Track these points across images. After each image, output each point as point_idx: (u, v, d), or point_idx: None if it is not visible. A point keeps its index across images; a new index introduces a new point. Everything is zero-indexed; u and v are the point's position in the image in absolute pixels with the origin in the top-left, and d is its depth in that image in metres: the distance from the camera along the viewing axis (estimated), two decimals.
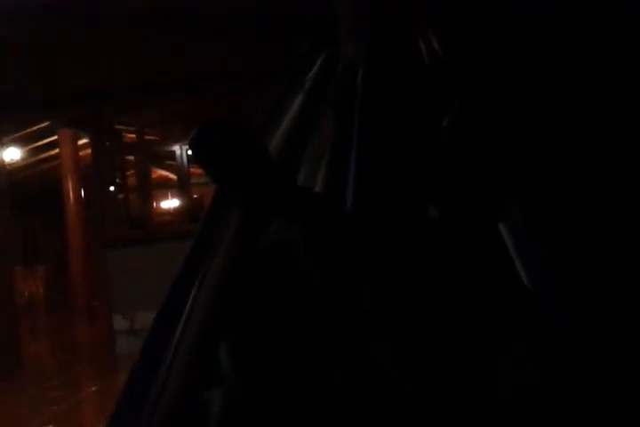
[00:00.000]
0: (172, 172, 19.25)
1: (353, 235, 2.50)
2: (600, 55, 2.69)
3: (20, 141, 13.95)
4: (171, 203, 21.09)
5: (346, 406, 2.31)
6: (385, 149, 2.69)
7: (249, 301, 2.54)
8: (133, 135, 14.75)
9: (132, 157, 15.42)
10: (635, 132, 2.60)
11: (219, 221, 2.86)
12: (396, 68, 2.83)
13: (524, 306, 2.36)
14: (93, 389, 7.76)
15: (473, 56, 2.74)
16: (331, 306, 2.38)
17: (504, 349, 2.24)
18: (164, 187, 20.67)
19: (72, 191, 14.08)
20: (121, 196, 15.06)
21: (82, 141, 13.94)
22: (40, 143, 15.04)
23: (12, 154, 13.89)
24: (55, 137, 14.17)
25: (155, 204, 18.80)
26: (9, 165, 12.87)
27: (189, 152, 14.48)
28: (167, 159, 18.38)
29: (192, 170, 17.17)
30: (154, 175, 18.22)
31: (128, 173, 16.10)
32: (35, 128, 13.26)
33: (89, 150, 13.11)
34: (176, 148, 17.12)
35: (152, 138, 15.80)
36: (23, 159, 15.32)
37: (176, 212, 19.16)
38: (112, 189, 13.66)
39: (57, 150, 14.55)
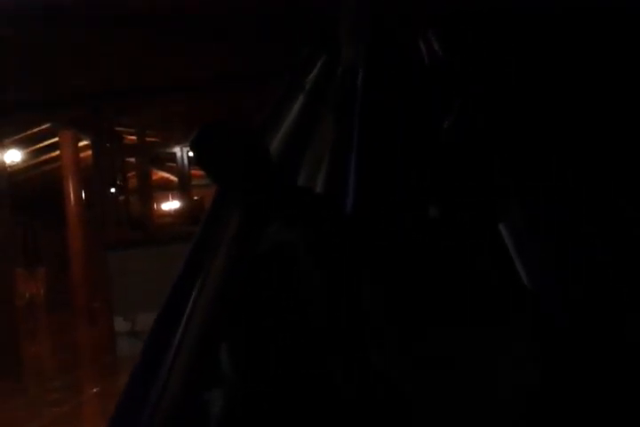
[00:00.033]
0: (172, 173, 19.25)
1: (353, 235, 2.49)
2: (600, 55, 2.69)
3: (20, 143, 13.95)
4: (171, 205, 21.10)
5: (346, 406, 2.31)
6: (385, 150, 2.69)
7: (249, 301, 2.53)
8: (134, 137, 14.75)
9: (132, 159, 15.41)
10: (635, 133, 2.60)
11: (219, 223, 2.86)
12: (396, 68, 2.83)
13: (524, 306, 2.36)
14: (94, 391, 7.75)
15: (473, 56, 2.74)
16: (331, 306, 2.38)
17: (504, 349, 2.24)
18: (165, 189, 20.68)
19: (73, 193, 14.08)
20: (122, 197, 15.07)
21: (82, 143, 13.95)
22: (41, 145, 15.06)
23: (13, 156, 13.90)
24: (56, 139, 14.18)
25: (155, 205, 18.80)
26: (10, 166, 12.88)
27: (190, 154, 14.50)
28: (168, 161, 18.38)
29: (193, 172, 17.17)
30: (154, 177, 18.22)
31: (129, 174, 16.10)
32: (35, 130, 13.26)
33: (90, 152, 13.13)
34: (177, 149, 17.12)
35: (153, 140, 15.80)
36: (24, 161, 15.34)
37: (177, 213, 19.17)
38: (113, 190, 13.66)
39: (58, 152, 14.55)
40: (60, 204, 14.43)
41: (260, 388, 2.44)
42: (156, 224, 16.25)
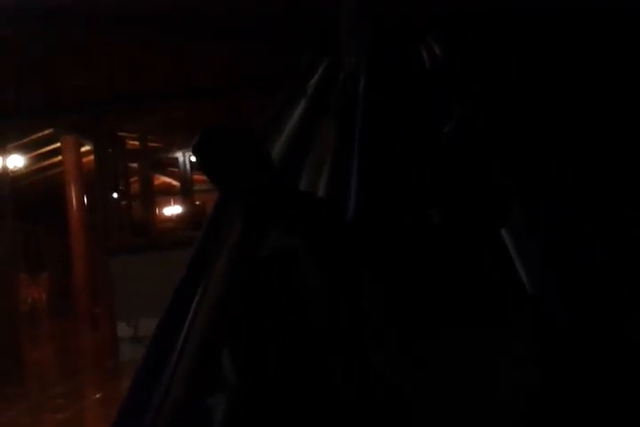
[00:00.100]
0: (174, 178, 19.23)
1: (353, 236, 2.49)
2: (600, 56, 2.70)
3: (23, 149, 13.96)
4: (173, 210, 21.09)
5: (346, 406, 2.30)
6: (386, 151, 2.69)
7: (250, 305, 2.54)
8: (136, 142, 14.75)
9: (134, 164, 15.41)
10: (635, 133, 2.60)
11: (221, 228, 2.86)
12: (396, 70, 2.83)
13: (524, 306, 2.36)
14: (97, 396, 7.73)
15: (473, 57, 2.74)
16: (331, 306, 2.38)
17: (504, 349, 2.24)
18: (167, 193, 20.66)
19: (75, 198, 14.08)
20: (124, 202, 15.08)
21: (85, 148, 13.95)
22: (43, 150, 15.05)
23: (16, 161, 13.91)
24: (58, 144, 14.17)
25: (157, 210, 18.79)
26: (12, 172, 12.89)
27: (192, 159, 14.50)
28: (170, 166, 18.36)
29: (195, 177, 17.15)
30: (156, 182, 18.21)
31: (131, 179, 16.10)
32: (38, 135, 13.28)
33: (92, 157, 13.12)
34: (179, 154, 17.09)
35: (155, 145, 15.79)
36: (26, 166, 15.34)
37: (179, 218, 19.15)
38: (115, 195, 13.67)
39: (60, 157, 14.55)
40: (63, 209, 14.43)
41: (261, 390, 2.44)
42: (158, 229, 16.22)
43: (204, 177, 2.79)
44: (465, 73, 2.71)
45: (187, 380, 2.74)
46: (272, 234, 2.57)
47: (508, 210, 2.42)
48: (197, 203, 18.27)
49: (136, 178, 16.19)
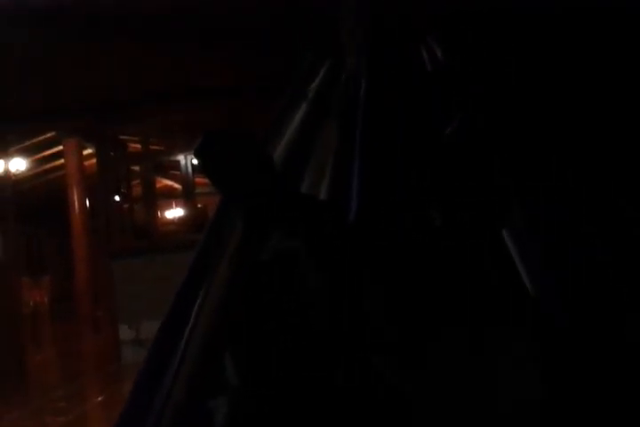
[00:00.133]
0: (176, 181, 19.23)
1: (354, 237, 2.49)
2: (600, 56, 2.69)
3: (25, 152, 13.97)
4: (175, 212, 21.10)
5: (347, 407, 2.30)
6: (386, 151, 2.70)
7: (252, 308, 2.53)
8: (138, 145, 14.76)
9: (136, 167, 15.41)
10: (635, 133, 2.60)
11: (222, 231, 2.86)
12: (396, 71, 2.84)
13: (525, 306, 2.36)
14: (99, 399, 7.72)
15: (473, 57, 2.74)
16: (332, 308, 2.38)
17: (504, 349, 2.24)
18: (169, 196, 20.68)
19: (77, 201, 14.09)
20: (126, 206, 15.06)
21: (87, 152, 13.96)
22: (45, 153, 15.06)
23: (18, 164, 13.92)
24: (60, 147, 14.19)
25: (159, 213, 18.78)
26: (14, 175, 12.90)
27: (194, 162, 14.50)
28: (172, 169, 18.36)
29: (196, 179, 17.14)
30: (158, 185, 18.20)
31: (133, 182, 16.08)
32: (40, 138, 13.29)
33: (94, 160, 13.12)
34: (180, 157, 17.08)
35: (157, 148, 15.79)
36: (29, 169, 15.36)
37: (180, 221, 19.15)
38: (117, 198, 13.67)
39: (62, 161, 14.56)
40: (65, 212, 14.43)
41: (263, 392, 2.44)
42: (160, 232, 16.21)
43: (205, 180, 2.80)
44: (465, 73, 2.71)
45: (189, 383, 2.74)
46: (273, 237, 2.57)
47: (508, 210, 2.41)
48: (199, 206, 18.25)
49: (138, 181, 16.17)
